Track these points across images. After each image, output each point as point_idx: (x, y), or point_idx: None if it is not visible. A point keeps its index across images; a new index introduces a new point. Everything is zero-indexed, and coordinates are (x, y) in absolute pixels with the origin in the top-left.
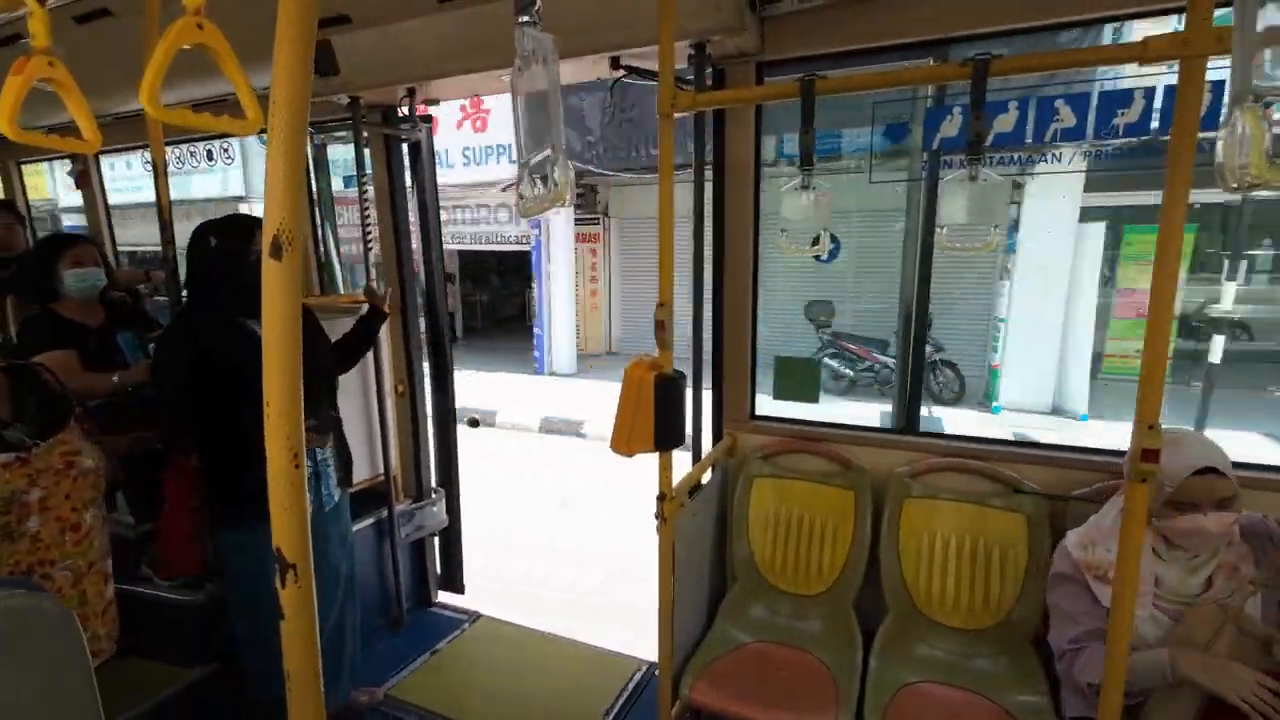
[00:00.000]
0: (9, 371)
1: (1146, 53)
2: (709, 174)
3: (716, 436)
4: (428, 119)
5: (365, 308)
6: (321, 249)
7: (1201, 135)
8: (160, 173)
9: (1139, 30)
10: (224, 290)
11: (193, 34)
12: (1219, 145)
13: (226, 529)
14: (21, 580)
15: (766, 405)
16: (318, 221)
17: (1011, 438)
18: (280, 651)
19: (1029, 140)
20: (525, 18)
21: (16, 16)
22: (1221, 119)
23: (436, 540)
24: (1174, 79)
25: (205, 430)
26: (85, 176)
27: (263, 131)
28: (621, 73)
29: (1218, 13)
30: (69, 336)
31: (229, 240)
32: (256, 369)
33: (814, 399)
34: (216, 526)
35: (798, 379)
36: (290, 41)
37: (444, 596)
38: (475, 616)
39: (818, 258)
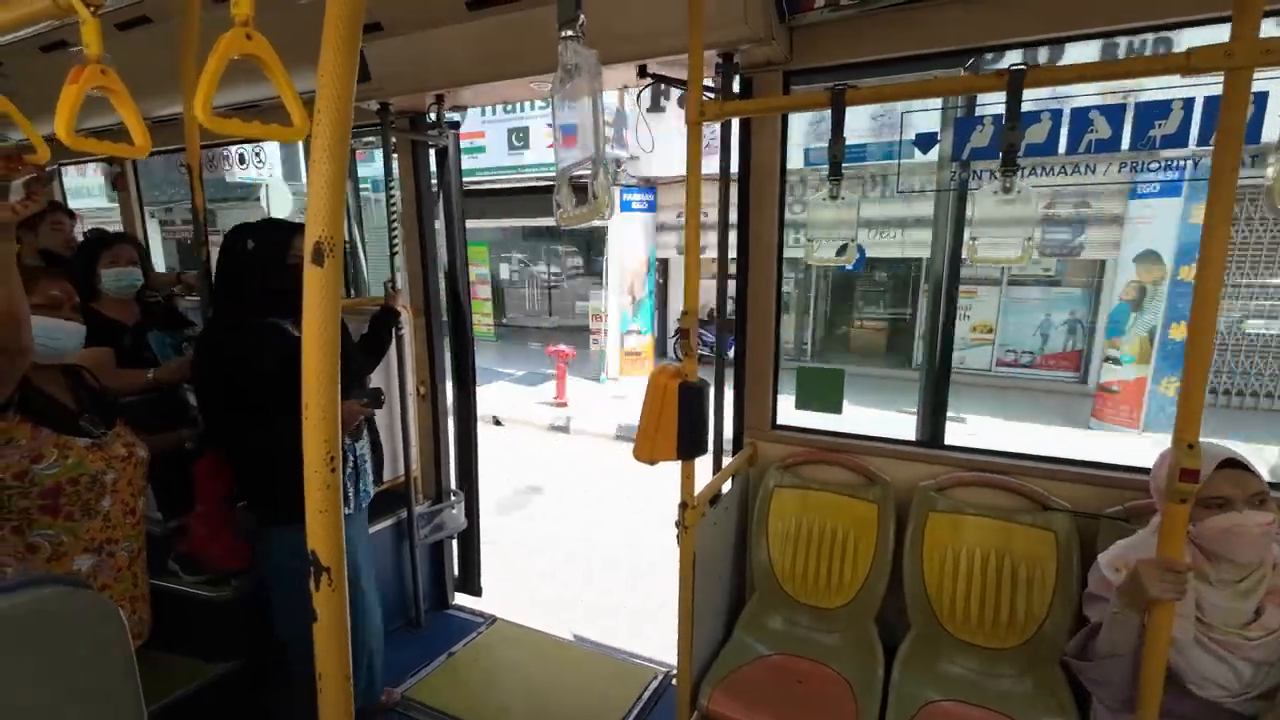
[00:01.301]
0: (62, 370)
1: (1189, 64)
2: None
3: (737, 445)
4: (456, 125)
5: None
6: (349, 252)
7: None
8: (196, 176)
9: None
10: (262, 293)
11: (242, 45)
12: (1269, 169)
13: (279, 528)
14: (60, 576)
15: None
16: (347, 225)
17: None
18: None
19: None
20: (569, 32)
21: (63, 24)
22: (1276, 142)
23: (455, 542)
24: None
25: (250, 430)
26: (122, 179)
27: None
28: (648, 81)
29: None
30: (106, 334)
31: (267, 244)
32: (296, 369)
33: (837, 410)
34: (265, 526)
35: (821, 388)
36: (334, 49)
37: (461, 599)
38: (492, 620)
39: (842, 268)
